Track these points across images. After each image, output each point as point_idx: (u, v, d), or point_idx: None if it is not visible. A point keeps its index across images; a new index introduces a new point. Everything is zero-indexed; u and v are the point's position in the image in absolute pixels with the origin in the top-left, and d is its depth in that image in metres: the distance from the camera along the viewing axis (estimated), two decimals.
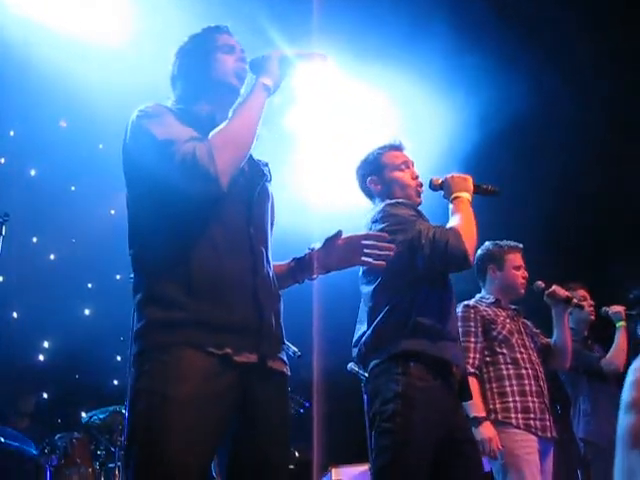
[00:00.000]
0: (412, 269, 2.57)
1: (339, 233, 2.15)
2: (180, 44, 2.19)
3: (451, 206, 2.73)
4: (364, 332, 2.67)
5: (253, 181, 2.03)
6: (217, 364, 1.76)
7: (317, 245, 2.19)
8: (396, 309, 2.58)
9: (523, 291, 3.77)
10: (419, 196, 2.86)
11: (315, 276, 2.20)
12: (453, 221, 2.62)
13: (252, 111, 1.94)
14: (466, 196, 2.72)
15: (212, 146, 1.80)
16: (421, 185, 2.88)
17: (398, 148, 2.93)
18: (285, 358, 1.97)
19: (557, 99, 5.63)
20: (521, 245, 3.86)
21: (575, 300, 3.82)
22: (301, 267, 2.19)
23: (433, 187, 2.86)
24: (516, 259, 3.80)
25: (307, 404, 5.36)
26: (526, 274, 3.80)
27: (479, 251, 3.80)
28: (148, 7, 5.10)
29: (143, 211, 1.94)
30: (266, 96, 1.99)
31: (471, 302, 3.69)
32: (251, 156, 2.05)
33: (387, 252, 2.15)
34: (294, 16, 5.07)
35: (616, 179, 6.09)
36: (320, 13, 5.02)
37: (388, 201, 2.75)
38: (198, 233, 1.85)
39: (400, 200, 2.74)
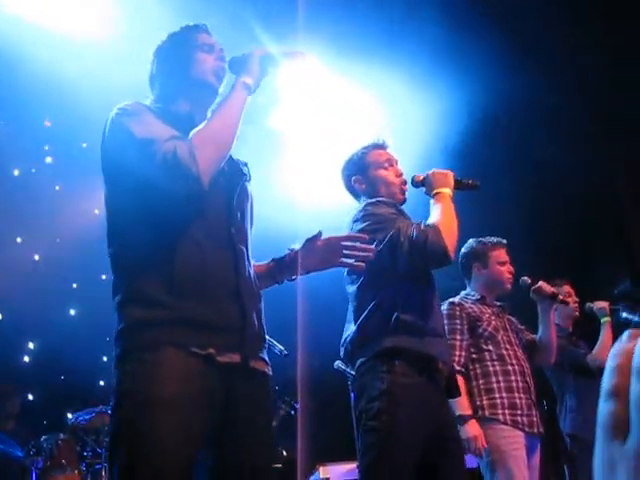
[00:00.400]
0: (393, 267, 2.57)
1: (319, 234, 2.15)
2: (158, 43, 2.17)
3: (432, 202, 2.73)
4: (351, 331, 2.67)
5: (233, 181, 2.02)
6: (200, 364, 1.75)
7: (297, 246, 2.19)
8: (380, 307, 2.59)
9: (509, 286, 3.78)
10: (403, 194, 2.87)
11: (295, 277, 2.20)
12: (433, 217, 2.63)
13: (232, 110, 1.94)
14: (447, 191, 2.72)
15: (193, 145, 1.79)
16: (405, 183, 2.88)
17: (382, 146, 2.94)
18: (267, 358, 1.97)
19: (541, 96, 5.65)
20: (505, 241, 3.87)
21: (561, 296, 3.83)
22: (281, 268, 2.18)
23: (415, 184, 2.87)
24: (500, 255, 3.81)
25: (297, 405, 5.35)
26: (512, 269, 3.81)
27: (463, 249, 3.81)
28: (134, 5, 5.06)
29: (123, 209, 1.93)
30: (247, 95, 1.98)
31: (456, 299, 3.70)
32: (230, 156, 2.04)
33: (367, 254, 2.15)
34: (278, 14, 5.06)
35: (601, 176, 6.13)
36: (305, 10, 5.01)
37: (368, 200, 2.76)
38: (180, 232, 1.84)
39: (380, 199, 2.76)
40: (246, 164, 2.18)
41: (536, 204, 6.30)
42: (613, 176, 6.21)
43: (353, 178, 2.92)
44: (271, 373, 1.97)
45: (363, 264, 2.16)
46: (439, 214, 2.63)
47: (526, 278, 3.84)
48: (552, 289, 3.80)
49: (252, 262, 2.04)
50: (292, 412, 5.38)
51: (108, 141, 1.93)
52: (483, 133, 5.81)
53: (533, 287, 3.80)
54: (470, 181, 2.86)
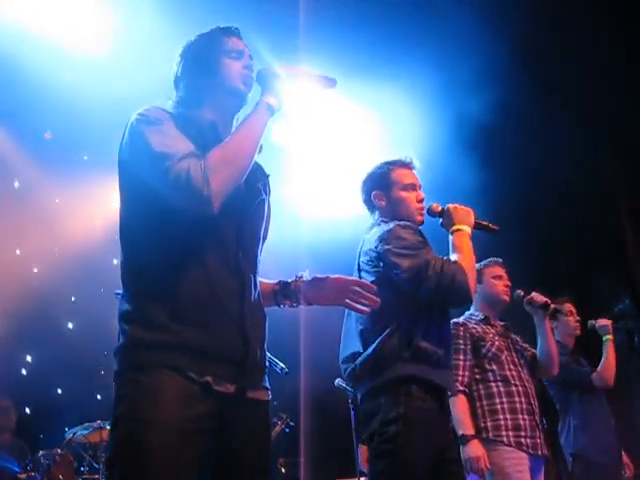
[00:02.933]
0: (416, 296, 2.57)
1: (327, 277, 2.09)
2: (186, 42, 2.10)
3: (452, 238, 2.74)
4: (358, 352, 2.65)
5: (247, 201, 1.97)
6: (196, 390, 1.72)
7: (305, 274, 2.14)
8: (397, 333, 2.58)
9: (506, 298, 3.77)
10: (422, 217, 2.85)
11: (296, 305, 2.15)
12: (457, 255, 2.64)
13: (253, 132, 1.88)
14: (467, 230, 2.73)
15: (208, 166, 1.73)
16: (423, 208, 2.86)
17: (408, 166, 2.91)
18: (267, 384, 1.93)
19: (538, 109, 5.66)
20: (500, 260, 3.91)
21: (553, 305, 3.80)
22: (285, 293, 2.13)
23: (431, 213, 2.85)
24: (495, 270, 3.84)
25: (292, 423, 5.33)
26: (508, 282, 3.81)
27: None
28: (131, 14, 5.05)
29: (134, 218, 1.89)
30: (269, 116, 1.92)
31: (460, 319, 3.69)
32: (250, 170, 1.96)
33: (372, 304, 2.09)
34: (280, 30, 5.07)
35: (600, 191, 6.14)
36: (307, 27, 5.03)
37: (398, 222, 2.72)
38: (188, 251, 1.80)
39: (409, 223, 2.74)
40: (268, 176, 2.14)
41: (534, 220, 6.30)
42: (612, 191, 6.21)
43: (374, 193, 2.88)
44: (270, 397, 1.93)
45: (368, 310, 2.12)
46: (462, 253, 2.65)
47: (519, 291, 3.85)
48: (544, 298, 3.77)
49: (258, 284, 1.98)
50: (287, 430, 5.36)
51: (125, 147, 1.88)
52: (480, 148, 5.82)
53: (525, 298, 3.80)
54: (490, 224, 2.88)
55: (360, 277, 2.73)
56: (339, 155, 6.21)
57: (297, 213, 6.32)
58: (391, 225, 2.71)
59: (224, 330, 1.80)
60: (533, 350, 3.84)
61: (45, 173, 6.54)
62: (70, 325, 6.69)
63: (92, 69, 5.31)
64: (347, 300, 2.08)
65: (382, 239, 2.67)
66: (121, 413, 1.71)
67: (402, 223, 2.72)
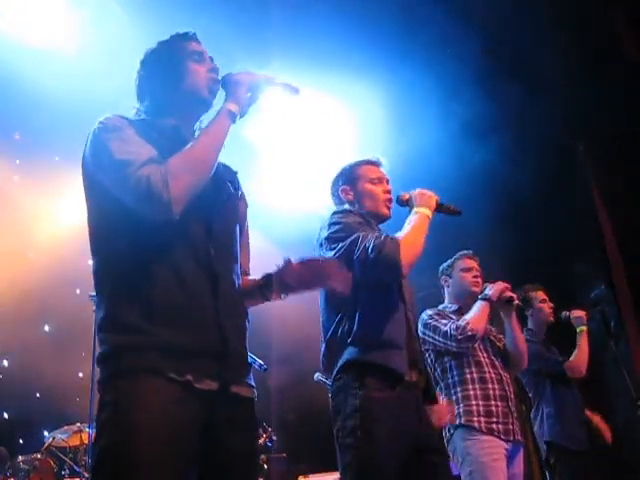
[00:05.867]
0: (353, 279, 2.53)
1: (287, 261, 2.03)
2: (147, 51, 2.11)
3: (407, 218, 2.73)
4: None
5: (214, 197, 1.97)
6: (179, 392, 1.72)
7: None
8: (342, 320, 2.59)
9: (475, 289, 3.79)
10: (389, 209, 2.88)
11: (285, 296, 2.12)
12: (402, 231, 2.62)
13: (214, 138, 1.90)
14: (425, 212, 2.72)
15: (168, 172, 1.75)
16: (390, 200, 2.89)
17: (375, 163, 2.97)
18: (252, 382, 1.93)
19: (523, 108, 5.70)
20: (469, 252, 3.96)
21: (516, 301, 3.83)
22: (269, 285, 2.12)
23: (401, 202, 2.86)
24: (464, 263, 3.90)
25: (275, 437, 5.33)
26: (477, 274, 3.86)
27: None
28: (101, 16, 5.02)
29: (102, 225, 1.90)
30: (230, 123, 1.94)
31: (435, 310, 3.74)
32: (216, 169, 1.98)
33: (347, 282, 2.10)
34: (252, 28, 5.05)
35: (574, 176, 6.20)
36: (279, 23, 5.01)
37: (336, 209, 2.79)
38: (157, 254, 1.81)
39: (348, 208, 2.78)
40: (235, 173, 2.15)
41: (510, 209, 6.34)
42: (586, 177, 6.27)
43: (341, 188, 2.94)
44: (254, 395, 1.93)
45: (347, 288, 2.10)
46: (407, 230, 2.62)
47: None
48: (509, 294, 3.78)
49: (238, 279, 1.98)
50: (269, 444, 5.34)
51: (88, 156, 1.89)
52: (456, 147, 5.84)
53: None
54: (452, 207, 2.87)
55: None
56: (311, 149, 6.22)
57: (269, 207, 6.32)
58: (332, 213, 2.76)
59: (200, 327, 1.80)
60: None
61: (16, 175, 6.47)
62: (47, 328, 6.62)
63: (63, 70, 5.25)
64: (328, 282, 2.07)
65: (323, 227, 2.73)
66: (104, 421, 1.71)
67: (341, 208, 2.78)
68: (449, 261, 3.96)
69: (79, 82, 5.22)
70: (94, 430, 1.80)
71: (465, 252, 3.96)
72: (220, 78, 2.04)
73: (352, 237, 2.56)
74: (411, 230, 2.62)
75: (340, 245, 2.57)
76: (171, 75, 2.03)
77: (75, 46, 5.19)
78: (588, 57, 5.39)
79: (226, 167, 2.14)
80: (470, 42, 5.26)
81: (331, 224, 2.69)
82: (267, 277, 2.13)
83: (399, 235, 2.58)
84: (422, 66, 5.51)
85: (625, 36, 5.29)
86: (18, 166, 6.37)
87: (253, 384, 1.93)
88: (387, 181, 2.94)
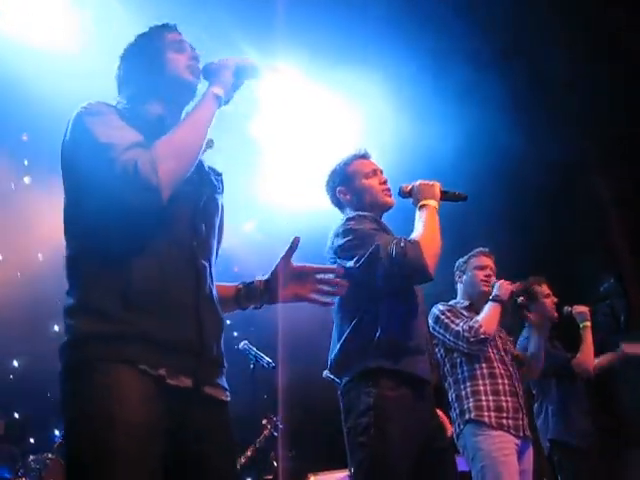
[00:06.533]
0: (373, 284, 2.52)
1: (295, 242, 2.02)
2: (127, 44, 2.08)
3: (416, 214, 2.69)
4: (334, 348, 2.65)
5: (200, 191, 1.92)
6: (152, 386, 1.63)
7: (265, 277, 2.09)
8: (361, 326, 2.56)
9: (485, 288, 3.76)
10: (390, 197, 2.83)
11: (260, 306, 2.09)
12: (416, 231, 2.58)
13: (200, 121, 1.85)
14: (432, 204, 2.67)
15: (155, 156, 1.69)
16: (389, 189, 2.85)
17: (364, 157, 2.92)
18: (225, 384, 1.85)
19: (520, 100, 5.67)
20: (486, 249, 3.93)
21: (521, 299, 3.83)
22: (248, 293, 2.08)
23: (402, 194, 2.83)
24: (479, 260, 3.87)
25: (280, 425, 5.30)
26: (489, 273, 3.83)
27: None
28: (103, 15, 5.01)
29: (81, 214, 1.81)
30: (216, 106, 1.89)
31: (447, 306, 3.72)
32: (202, 165, 1.96)
33: (339, 289, 2.05)
34: (256, 22, 5.04)
35: (583, 175, 6.17)
36: (283, 18, 5.00)
37: (349, 214, 2.73)
38: (139, 241, 1.73)
39: (362, 213, 2.72)
40: (220, 174, 2.09)
41: (519, 206, 6.32)
42: (593, 173, 6.24)
43: (338, 189, 2.89)
44: (229, 399, 1.84)
45: (332, 302, 2.07)
46: (422, 228, 2.58)
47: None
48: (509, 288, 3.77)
49: (214, 281, 1.91)
50: (275, 434, 5.33)
51: (68, 141, 1.81)
52: (461, 139, 5.82)
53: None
54: (457, 193, 2.81)
55: None
56: (314, 146, 6.21)
57: (273, 205, 6.32)
58: (344, 219, 2.71)
59: (179, 320, 1.73)
60: (513, 348, 3.88)
61: (25, 175, 6.48)
62: (56, 328, 6.64)
63: (68, 70, 5.25)
64: (312, 295, 2.02)
65: (336, 234, 2.68)
66: (76, 413, 1.62)
67: (354, 214, 2.71)
68: (465, 257, 3.93)
69: (85, 83, 5.22)
70: (62, 422, 1.69)
71: (481, 249, 3.92)
72: (201, 67, 2.01)
73: (372, 246, 2.52)
74: (425, 228, 2.58)
75: (360, 254, 2.53)
76: (151, 65, 2.00)
77: (77, 46, 5.18)
78: (594, 56, 5.36)
79: (211, 168, 2.08)
80: (476, 39, 5.25)
81: (345, 231, 2.64)
82: (247, 285, 2.09)
83: (415, 236, 2.54)
84: (429, 62, 5.49)
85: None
86: (26, 167, 6.38)
87: (226, 386, 1.86)
88: (381, 171, 2.89)
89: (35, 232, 6.34)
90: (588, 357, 4.33)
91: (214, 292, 1.89)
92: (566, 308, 4.57)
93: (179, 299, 1.75)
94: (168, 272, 1.75)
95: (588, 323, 4.46)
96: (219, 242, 2.05)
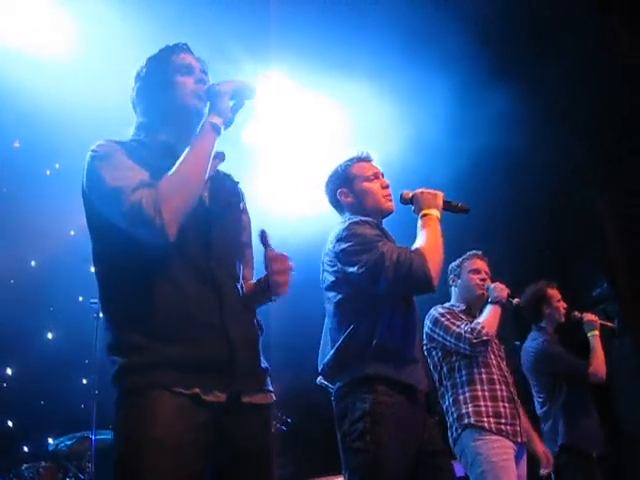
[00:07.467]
0: (375, 291, 2.51)
1: (261, 233, 2.05)
2: (139, 67, 2.15)
3: (419, 223, 2.68)
4: (328, 352, 2.65)
5: (211, 208, 2.00)
6: (187, 403, 1.75)
7: None
8: (358, 331, 2.56)
9: (480, 292, 3.77)
10: (391, 202, 2.82)
11: (271, 299, 2.13)
12: (419, 241, 2.58)
13: (201, 154, 1.91)
14: (435, 213, 2.67)
15: (160, 195, 1.78)
16: (390, 194, 2.83)
17: (366, 159, 2.90)
18: (269, 387, 1.96)
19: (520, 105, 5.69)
20: (480, 252, 3.93)
21: (515, 300, 3.83)
22: (261, 289, 2.12)
23: (403, 201, 2.82)
24: (473, 264, 3.88)
25: (289, 420, 5.29)
26: (484, 276, 3.83)
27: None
28: (97, 21, 5.01)
29: (104, 250, 1.95)
30: (215, 136, 1.95)
31: (444, 309, 3.71)
32: (215, 178, 2.03)
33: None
34: (251, 32, 5.05)
35: (579, 180, 6.19)
36: (278, 27, 5.01)
37: (352, 219, 2.70)
38: (157, 272, 1.85)
39: (364, 219, 2.70)
40: (237, 183, 2.18)
41: (516, 209, 6.33)
42: (590, 179, 6.26)
43: (339, 191, 2.87)
44: (272, 400, 1.97)
45: (286, 289, 2.06)
46: (425, 238, 2.57)
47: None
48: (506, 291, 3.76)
49: (243, 289, 2.01)
50: (284, 428, 5.33)
51: (85, 185, 1.94)
52: (457, 144, 5.83)
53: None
54: (460, 204, 2.81)
55: (323, 277, 2.73)
56: (307, 152, 6.22)
57: (265, 210, 6.30)
58: (346, 223, 2.68)
59: (205, 340, 1.82)
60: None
61: (18, 182, 6.45)
62: (50, 335, 6.61)
63: (61, 77, 5.24)
64: (273, 278, 2.03)
65: (339, 238, 2.65)
66: (117, 437, 1.78)
67: (357, 219, 2.69)
68: (458, 260, 3.92)
69: (78, 90, 5.21)
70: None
71: (475, 252, 3.92)
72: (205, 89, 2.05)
73: (376, 254, 2.51)
74: (428, 238, 2.57)
75: (364, 261, 2.52)
76: (159, 91, 2.08)
77: (72, 53, 5.18)
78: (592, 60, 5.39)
79: (227, 176, 2.16)
80: (472, 46, 5.26)
81: (349, 236, 2.62)
82: (258, 281, 2.15)
83: (419, 246, 2.54)
84: (422, 69, 5.50)
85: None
86: (17, 174, 6.35)
87: (271, 389, 1.96)
88: (382, 175, 2.88)
89: (27, 240, 6.31)
90: (601, 365, 4.26)
91: (241, 305, 1.96)
92: (573, 314, 4.54)
93: (203, 320, 1.84)
94: (188, 296, 1.85)
95: (596, 332, 4.40)
96: (246, 248, 2.15)
